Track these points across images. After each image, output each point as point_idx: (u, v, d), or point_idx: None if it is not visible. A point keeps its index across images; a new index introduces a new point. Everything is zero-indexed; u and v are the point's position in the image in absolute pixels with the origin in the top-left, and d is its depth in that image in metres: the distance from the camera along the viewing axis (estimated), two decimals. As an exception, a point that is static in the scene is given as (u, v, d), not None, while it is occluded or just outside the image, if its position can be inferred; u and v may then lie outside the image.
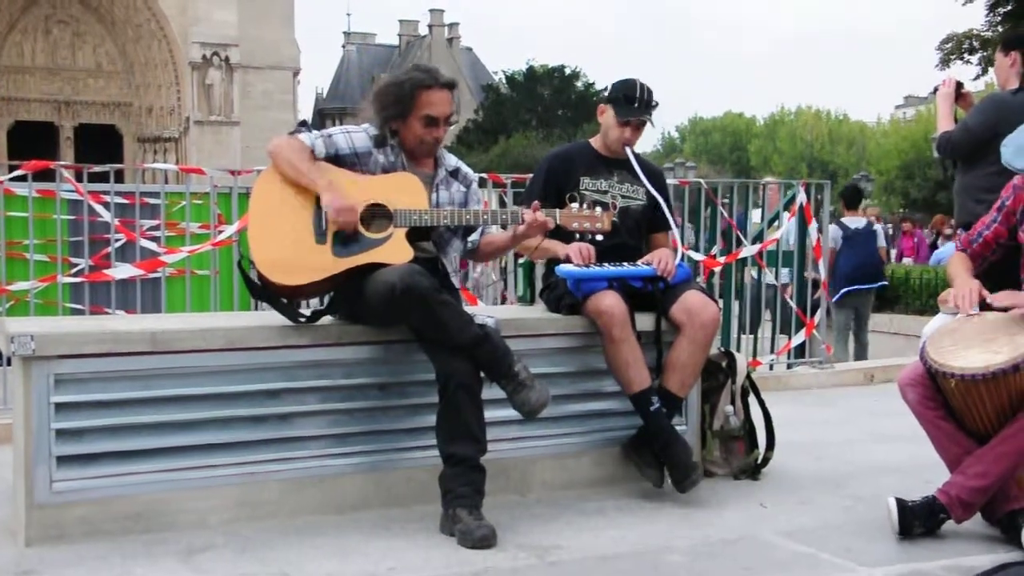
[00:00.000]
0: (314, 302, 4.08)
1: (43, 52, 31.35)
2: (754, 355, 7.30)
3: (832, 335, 8.34)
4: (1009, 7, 21.15)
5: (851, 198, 9.48)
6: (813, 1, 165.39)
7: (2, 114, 31.12)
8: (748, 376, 4.29)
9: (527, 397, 3.31)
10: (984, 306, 3.34)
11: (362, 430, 3.58)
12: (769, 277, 7.55)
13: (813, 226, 7.39)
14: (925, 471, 3.66)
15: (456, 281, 3.74)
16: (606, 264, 3.88)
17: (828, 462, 4.52)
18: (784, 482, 4.08)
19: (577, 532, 3.38)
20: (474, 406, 3.33)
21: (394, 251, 3.45)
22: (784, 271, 7.53)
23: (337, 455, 3.53)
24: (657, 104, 4.11)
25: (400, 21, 70.20)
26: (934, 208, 24.18)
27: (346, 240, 3.47)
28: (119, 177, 6.56)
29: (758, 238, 7.36)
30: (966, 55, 22.21)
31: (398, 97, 3.59)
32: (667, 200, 4.25)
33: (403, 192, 3.54)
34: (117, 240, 6.16)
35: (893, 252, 15.43)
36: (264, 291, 3.53)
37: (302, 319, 3.54)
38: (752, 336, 7.60)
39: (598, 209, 3.66)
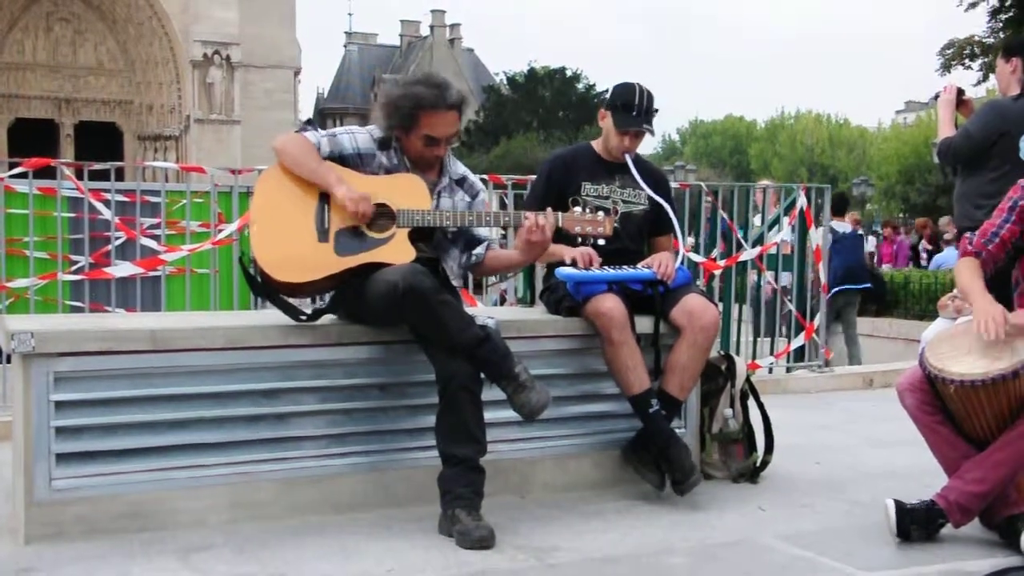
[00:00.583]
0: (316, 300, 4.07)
1: (44, 49, 31.36)
2: (753, 358, 7.30)
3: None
4: (1011, 13, 21.16)
5: (837, 205, 9.69)
6: (814, 5, 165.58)
7: (3, 111, 31.13)
8: (747, 379, 4.30)
9: (527, 399, 3.30)
10: None
11: (362, 430, 3.57)
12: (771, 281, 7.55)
13: (813, 230, 7.40)
14: (924, 476, 3.66)
15: (456, 283, 3.73)
16: (606, 267, 3.88)
17: (827, 466, 4.52)
18: (783, 486, 4.08)
19: (576, 534, 3.38)
20: (474, 407, 3.32)
21: (396, 251, 3.45)
22: (785, 275, 7.54)
23: (337, 455, 3.53)
24: (657, 111, 4.09)
25: (402, 21, 70.30)
26: (934, 213, 24.19)
27: (348, 239, 3.47)
28: (120, 175, 6.55)
29: (758, 241, 7.37)
30: (967, 61, 22.22)
31: (402, 112, 3.56)
32: (671, 204, 4.24)
33: (406, 192, 3.54)
34: (117, 238, 6.16)
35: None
36: (265, 288, 3.53)
37: (303, 317, 3.54)
38: (752, 339, 7.60)
39: (600, 213, 3.66)
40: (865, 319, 10.61)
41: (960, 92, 5.20)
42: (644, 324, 3.88)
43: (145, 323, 3.50)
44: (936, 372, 3.19)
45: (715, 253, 7.23)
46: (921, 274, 11.00)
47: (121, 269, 6.08)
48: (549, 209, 3.57)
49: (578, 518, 3.56)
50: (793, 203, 7.37)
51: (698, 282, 6.48)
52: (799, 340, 7.39)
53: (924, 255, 15.58)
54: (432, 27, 66.18)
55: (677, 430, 3.92)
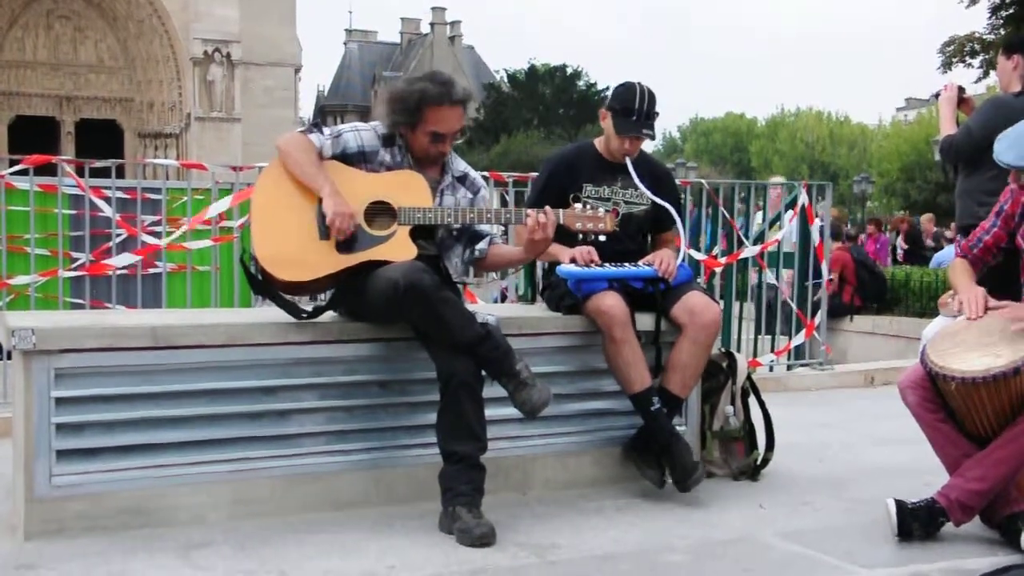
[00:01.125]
0: (315, 298, 4.07)
1: (45, 47, 31.33)
2: (754, 356, 7.30)
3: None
4: (1012, 10, 21.13)
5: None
6: (815, 2, 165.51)
7: (3, 108, 31.10)
8: (748, 377, 4.29)
9: (528, 396, 3.30)
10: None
11: (363, 427, 3.57)
12: (769, 277, 7.54)
13: (815, 226, 7.39)
14: (925, 474, 3.66)
15: (459, 279, 3.73)
16: (607, 265, 3.88)
17: (828, 464, 4.52)
18: (784, 484, 4.08)
19: (577, 531, 3.38)
20: (475, 404, 3.32)
21: (397, 248, 3.45)
22: (787, 272, 7.54)
23: (337, 452, 3.53)
24: (658, 114, 4.05)
25: (402, 19, 70.17)
26: (935, 210, 24.16)
27: (349, 237, 3.47)
28: (120, 172, 6.55)
29: (759, 239, 7.37)
30: (968, 58, 22.18)
31: (407, 108, 3.57)
32: (676, 200, 4.23)
33: (408, 190, 3.53)
34: (118, 235, 6.15)
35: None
36: (265, 286, 3.52)
37: (304, 315, 3.54)
38: (753, 337, 7.60)
39: (601, 209, 3.65)
40: (866, 317, 10.61)
41: (960, 90, 5.20)
42: (645, 322, 3.87)
43: (146, 320, 3.50)
44: (938, 369, 3.19)
45: (716, 250, 7.23)
46: (922, 272, 10.97)
47: (120, 259, 6.07)
48: (548, 207, 3.57)
49: (579, 515, 3.56)
50: (794, 200, 7.37)
51: (699, 279, 6.48)
52: (800, 338, 7.38)
53: (900, 252, 15.49)
54: (432, 24, 66.11)
55: (678, 428, 3.92)
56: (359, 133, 3.65)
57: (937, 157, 5.38)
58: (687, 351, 3.82)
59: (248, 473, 3.41)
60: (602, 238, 3.64)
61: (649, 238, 4.26)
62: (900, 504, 3.31)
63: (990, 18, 21.84)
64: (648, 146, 4.23)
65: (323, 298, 3.72)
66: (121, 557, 3.02)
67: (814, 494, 3.94)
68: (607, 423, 3.97)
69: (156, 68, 31.49)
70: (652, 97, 4.03)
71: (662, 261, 3.91)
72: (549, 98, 49.50)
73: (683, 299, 3.86)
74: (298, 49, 33.58)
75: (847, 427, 5.59)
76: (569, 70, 50.48)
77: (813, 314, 7.44)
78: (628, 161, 4.06)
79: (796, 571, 3.11)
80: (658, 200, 4.09)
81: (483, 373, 3.35)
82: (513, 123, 46.91)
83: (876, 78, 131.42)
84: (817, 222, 7.43)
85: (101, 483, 3.23)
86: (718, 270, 7.14)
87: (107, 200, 6.14)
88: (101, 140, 27.69)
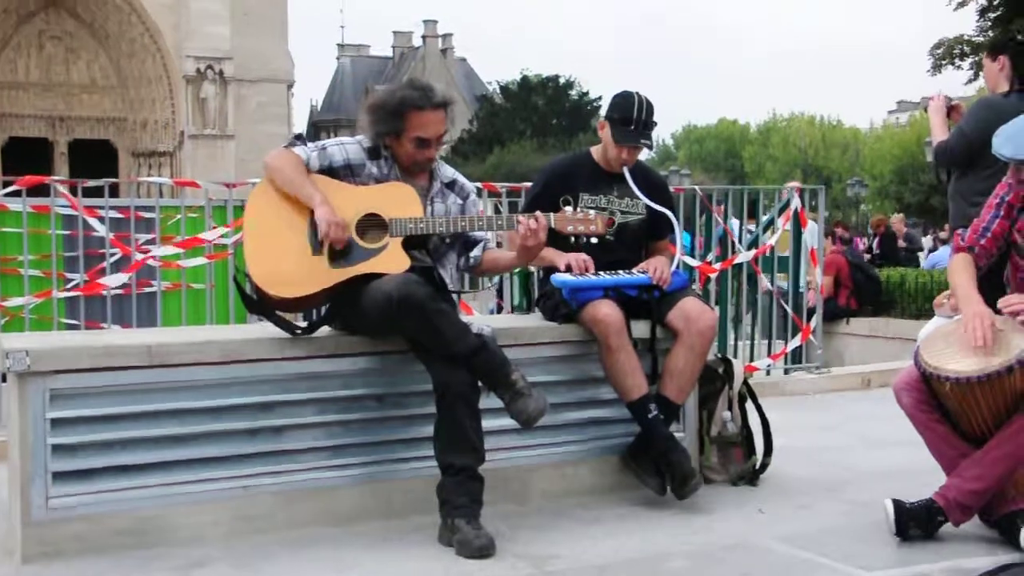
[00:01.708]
0: (309, 314, 4.07)
1: (37, 68, 31.33)
2: (751, 360, 7.30)
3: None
4: (999, 12, 21.22)
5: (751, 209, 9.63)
6: (805, 8, 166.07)
7: (-4, 131, 31.10)
8: (745, 382, 4.30)
9: (524, 406, 3.30)
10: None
11: (359, 441, 3.57)
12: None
13: (808, 230, 7.41)
14: (922, 475, 3.66)
15: (455, 287, 3.73)
16: (602, 273, 3.88)
17: (825, 467, 4.52)
18: (782, 488, 4.08)
19: (576, 541, 3.38)
20: (472, 415, 3.32)
21: (390, 261, 3.45)
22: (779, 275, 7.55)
23: (334, 467, 3.52)
24: (656, 123, 4.06)
25: (394, 32, 70.28)
26: (930, 213, 24.23)
27: (342, 251, 3.47)
28: (114, 191, 6.55)
29: (753, 244, 7.38)
30: (957, 60, 22.27)
31: (389, 115, 3.57)
32: (671, 208, 4.24)
33: (397, 201, 3.54)
34: (112, 255, 6.15)
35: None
36: (260, 304, 3.52)
37: (298, 331, 3.54)
38: (749, 342, 7.61)
39: (592, 212, 3.66)
40: (862, 319, 10.61)
41: (948, 99, 5.25)
42: (641, 329, 3.88)
43: (141, 338, 3.50)
44: (932, 370, 3.19)
45: (710, 256, 7.24)
46: (917, 273, 10.98)
47: (114, 279, 6.06)
48: (539, 212, 3.57)
49: (578, 525, 3.56)
50: (787, 205, 7.39)
51: (694, 286, 6.49)
52: (796, 342, 7.39)
53: (870, 256, 15.30)
54: (424, 37, 66.25)
55: (676, 434, 3.92)
56: (344, 147, 3.65)
57: (930, 159, 5.41)
58: (683, 357, 3.82)
59: (246, 490, 3.40)
60: (594, 240, 3.64)
61: (644, 247, 4.25)
62: (898, 505, 3.31)
63: (979, 20, 21.95)
64: (642, 154, 4.24)
65: (318, 313, 3.72)
66: (119, 577, 3.01)
67: (812, 497, 3.94)
68: (605, 432, 3.96)
69: (149, 87, 31.50)
70: (650, 107, 4.05)
71: (656, 268, 3.91)
72: (542, 108, 49.56)
73: (678, 305, 3.87)
74: (291, 65, 33.60)
75: (844, 430, 5.60)
76: (562, 80, 50.56)
77: (808, 318, 7.44)
78: (625, 170, 4.07)
79: (796, 574, 3.11)
80: (656, 207, 4.10)
81: (479, 384, 3.34)
82: (506, 134, 46.95)
83: (867, 81, 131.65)
84: (810, 226, 7.44)
85: (98, 504, 3.21)
86: (713, 276, 7.15)
87: (101, 220, 6.13)
88: (95, 160, 27.64)
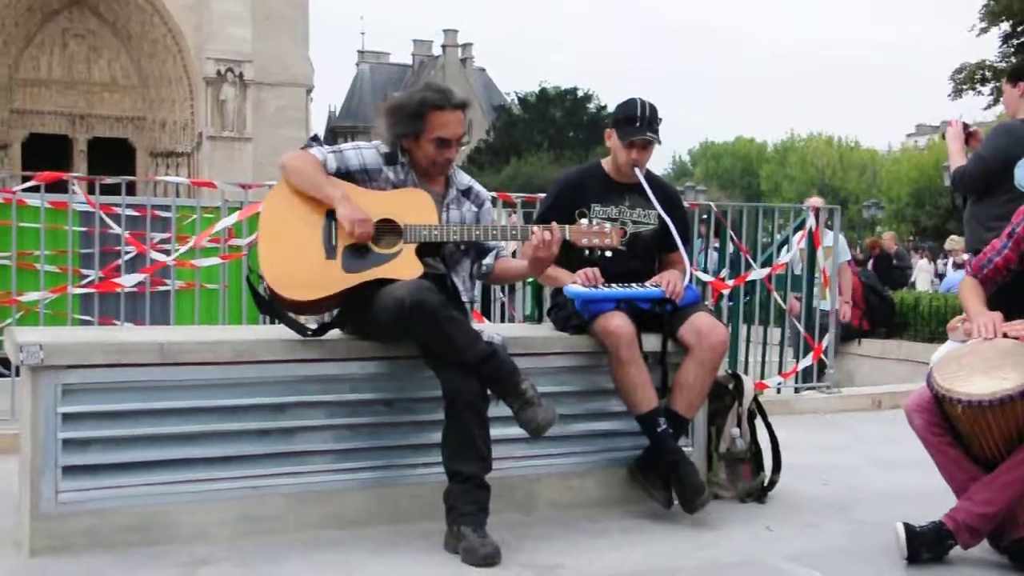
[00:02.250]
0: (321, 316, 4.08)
1: (60, 65, 31.57)
2: (761, 378, 7.27)
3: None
4: (1023, 39, 21.18)
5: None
6: (825, 27, 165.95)
7: (18, 127, 31.31)
8: (755, 399, 4.28)
9: (533, 415, 3.29)
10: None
11: (368, 446, 3.57)
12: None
13: (821, 251, 7.38)
14: (932, 497, 3.64)
15: (466, 298, 3.74)
16: (614, 285, 3.88)
17: (834, 487, 4.50)
18: (790, 506, 4.06)
19: (581, 552, 3.37)
20: (480, 423, 3.32)
21: (403, 267, 3.46)
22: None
23: (342, 470, 3.53)
24: (661, 120, 4.06)
25: (414, 41, 70.69)
26: (944, 237, 24.13)
27: (355, 255, 3.48)
28: (131, 190, 6.58)
29: (767, 262, 7.36)
30: (978, 85, 22.24)
31: (409, 117, 3.59)
32: (683, 221, 4.23)
33: (413, 208, 3.54)
34: (127, 253, 6.18)
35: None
36: (272, 306, 3.53)
37: (309, 333, 3.54)
38: (760, 359, 7.58)
39: (607, 225, 3.65)
40: (874, 341, 10.57)
41: (965, 126, 5.25)
42: (651, 342, 3.87)
43: (153, 336, 3.52)
44: (944, 392, 3.18)
45: (723, 272, 7.23)
46: (931, 296, 10.94)
47: (129, 279, 6.09)
48: (555, 223, 3.58)
49: (583, 536, 3.55)
50: (802, 224, 7.37)
51: (706, 302, 6.48)
52: (807, 360, 7.36)
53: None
54: (444, 47, 66.54)
55: (684, 449, 3.91)
56: (361, 151, 3.66)
57: (947, 183, 5.40)
58: (693, 372, 3.82)
59: (254, 491, 3.41)
60: (608, 254, 3.64)
61: (657, 259, 4.25)
62: (908, 527, 3.29)
63: (1001, 46, 21.91)
64: (657, 168, 4.25)
65: (330, 315, 3.72)
66: (124, 575, 3.01)
67: (821, 516, 3.93)
68: (613, 444, 3.96)
69: (169, 87, 31.67)
70: (653, 107, 4.06)
71: (669, 282, 3.91)
72: (560, 120, 49.65)
73: (690, 320, 3.86)
74: (310, 69, 33.74)
75: (854, 450, 5.57)
76: (580, 93, 50.66)
77: (821, 337, 7.41)
78: (638, 172, 4.06)
79: (802, 594, 3.09)
80: (664, 215, 4.09)
81: (488, 392, 3.34)
82: (524, 145, 47.04)
83: (887, 104, 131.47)
84: (823, 246, 7.42)
85: (106, 500, 3.23)
86: (725, 292, 7.13)
87: (117, 218, 6.16)
88: (113, 159, 27.83)
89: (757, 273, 7.18)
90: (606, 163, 4.20)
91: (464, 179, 3.84)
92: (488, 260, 3.79)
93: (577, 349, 3.89)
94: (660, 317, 3.90)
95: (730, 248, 7.29)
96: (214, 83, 30.62)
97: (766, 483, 4.15)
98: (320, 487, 3.49)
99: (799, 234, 7.39)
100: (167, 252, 6.30)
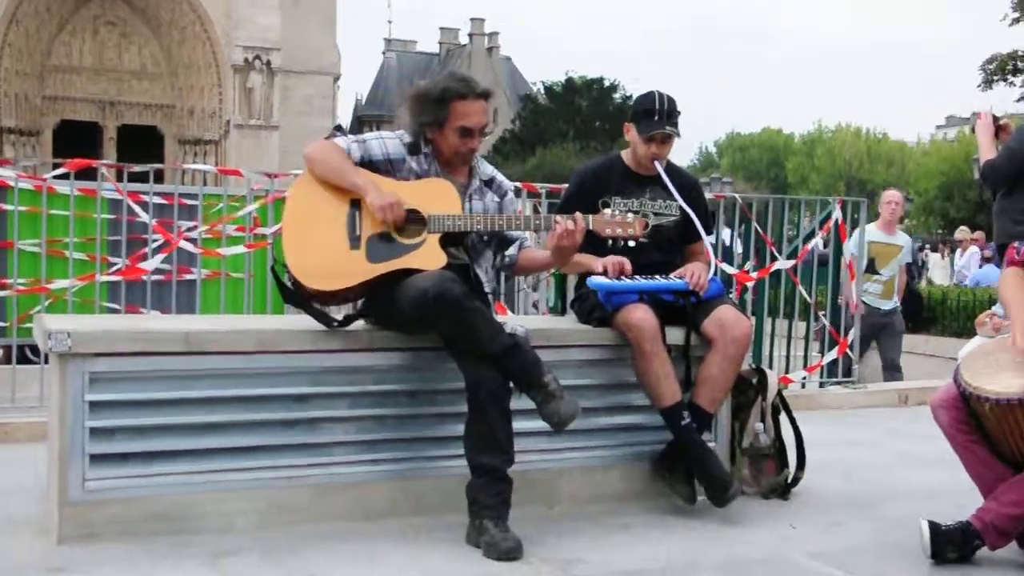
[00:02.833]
0: (346, 307, 4.09)
1: (91, 52, 31.83)
2: (786, 372, 7.23)
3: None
4: (1056, 28, 20.90)
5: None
6: (856, 19, 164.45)
7: (49, 113, 31.62)
8: (779, 394, 4.25)
9: (556, 408, 3.29)
10: None
11: (391, 437, 3.58)
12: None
13: (847, 244, 7.33)
14: (958, 495, 3.61)
15: (488, 289, 3.73)
16: (638, 277, 3.86)
17: (859, 484, 4.46)
18: (814, 502, 4.04)
19: (603, 547, 3.36)
20: (503, 416, 3.31)
21: (427, 257, 3.46)
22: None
23: (366, 461, 3.54)
24: (680, 113, 4.03)
25: (441, 29, 70.63)
26: (974, 229, 23.88)
27: (380, 245, 3.48)
28: (158, 177, 6.62)
29: (792, 254, 7.31)
30: (1009, 76, 21.96)
31: (433, 106, 3.58)
32: (705, 211, 4.21)
33: (437, 197, 3.54)
34: (155, 240, 6.22)
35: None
36: (296, 296, 3.54)
37: (334, 323, 3.55)
38: (784, 353, 7.54)
39: (630, 215, 3.63)
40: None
41: (996, 118, 5.16)
42: (675, 335, 3.85)
43: (179, 325, 3.54)
44: (971, 389, 3.14)
45: (748, 265, 7.19)
46: (959, 291, 10.84)
47: (152, 263, 6.13)
48: (579, 213, 3.56)
49: (605, 531, 3.54)
50: (828, 216, 7.32)
51: (730, 294, 6.44)
52: (832, 355, 7.31)
53: None
54: (471, 35, 66.40)
55: (707, 443, 3.89)
56: (384, 141, 3.65)
57: (976, 176, 5.32)
58: (717, 365, 3.80)
59: (277, 481, 3.42)
60: (631, 243, 3.62)
61: (680, 252, 4.22)
62: (934, 525, 3.26)
63: (1033, 36, 21.60)
64: (683, 159, 4.23)
65: (354, 306, 3.73)
66: (149, 563, 3.04)
67: (845, 514, 3.90)
68: (636, 438, 3.94)
69: (198, 75, 31.85)
70: (672, 100, 4.02)
71: (693, 274, 3.88)
72: (586, 111, 49.43)
73: (714, 313, 3.84)
74: (337, 58, 33.83)
75: (879, 446, 5.53)
76: (606, 83, 50.42)
77: (846, 332, 7.36)
78: (658, 166, 4.04)
79: (825, 592, 3.08)
80: (685, 206, 4.06)
81: (511, 385, 3.34)
82: (549, 135, 46.88)
83: (916, 95, 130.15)
84: (850, 239, 7.36)
85: (133, 488, 3.25)
86: (750, 285, 7.09)
87: (144, 205, 6.20)
88: (142, 146, 28.04)
89: (781, 263, 7.13)
90: (626, 155, 4.17)
91: (487, 169, 3.83)
92: (511, 251, 3.78)
93: (600, 342, 3.88)
94: (683, 310, 3.87)
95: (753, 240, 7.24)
96: (242, 71, 30.77)
97: (790, 479, 4.13)
98: (344, 478, 3.51)
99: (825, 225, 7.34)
100: (194, 241, 6.34)
